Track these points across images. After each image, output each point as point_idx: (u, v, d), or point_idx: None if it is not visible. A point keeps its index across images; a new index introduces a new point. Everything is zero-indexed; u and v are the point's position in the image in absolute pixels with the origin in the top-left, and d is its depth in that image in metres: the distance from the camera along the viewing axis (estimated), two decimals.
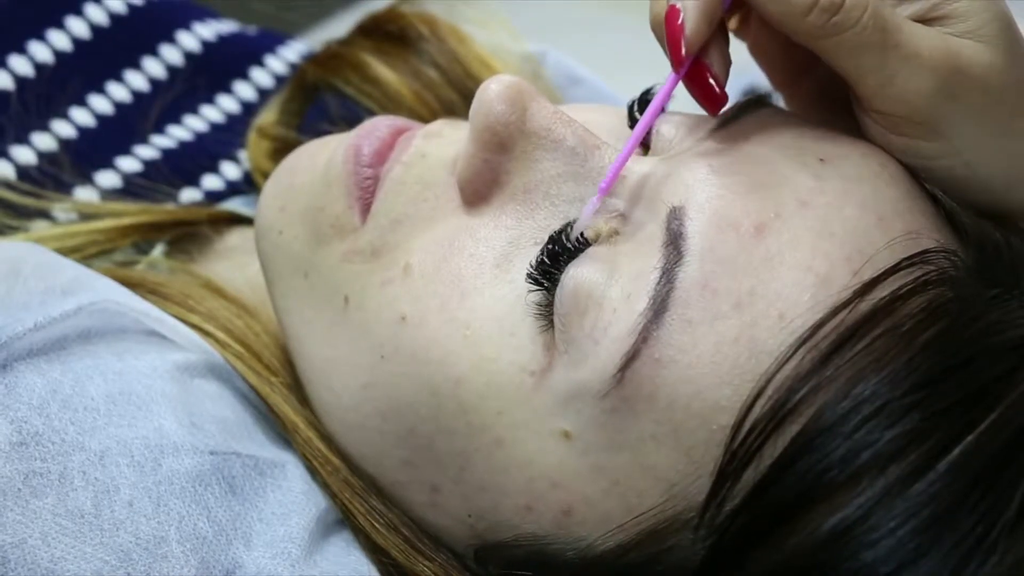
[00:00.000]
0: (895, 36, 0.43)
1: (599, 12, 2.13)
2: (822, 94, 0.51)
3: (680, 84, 0.46)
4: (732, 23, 0.50)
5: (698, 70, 0.45)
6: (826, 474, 0.39)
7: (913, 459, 0.38)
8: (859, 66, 0.44)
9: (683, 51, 0.44)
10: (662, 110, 0.48)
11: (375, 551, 0.48)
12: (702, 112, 0.48)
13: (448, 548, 0.48)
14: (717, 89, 0.45)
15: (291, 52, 0.79)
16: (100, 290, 0.51)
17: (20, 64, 0.66)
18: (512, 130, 0.47)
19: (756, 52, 0.52)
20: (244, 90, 0.75)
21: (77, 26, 0.70)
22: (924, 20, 0.45)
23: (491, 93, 0.47)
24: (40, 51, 0.67)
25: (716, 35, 0.45)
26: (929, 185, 0.47)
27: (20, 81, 0.65)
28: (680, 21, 0.43)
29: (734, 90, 0.47)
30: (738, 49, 0.47)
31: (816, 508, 0.39)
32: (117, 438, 0.45)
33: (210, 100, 0.73)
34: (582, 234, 0.44)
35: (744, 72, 0.47)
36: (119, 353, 0.49)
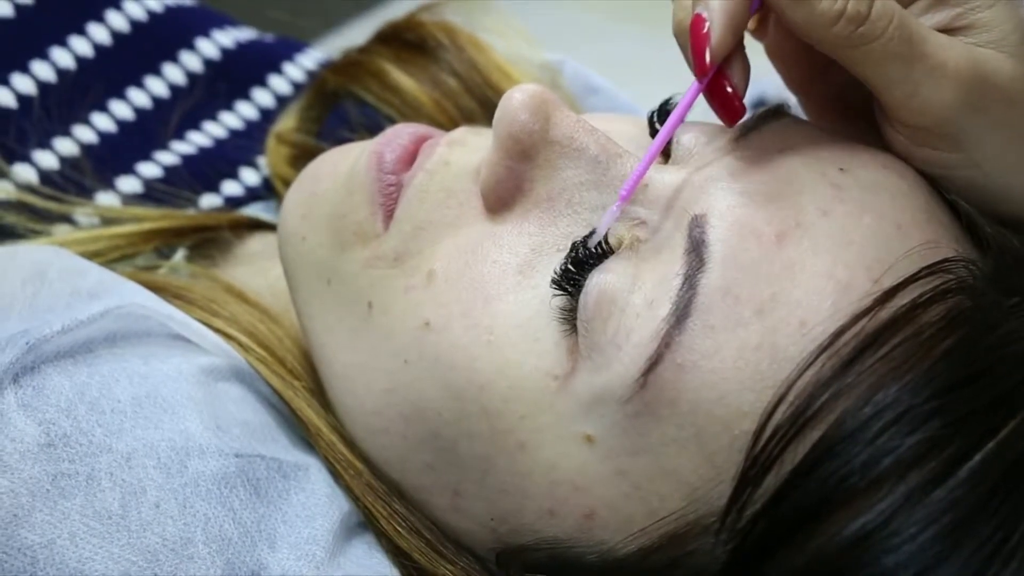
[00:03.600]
0: (921, 47, 0.43)
1: (607, 22, 2.14)
2: (838, 98, 0.52)
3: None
4: (750, 23, 0.50)
5: (718, 81, 0.45)
6: (847, 480, 0.39)
7: (934, 465, 0.38)
8: (884, 77, 0.44)
9: (707, 60, 0.44)
10: (667, 150, 0.48)
11: (397, 554, 0.49)
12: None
13: (470, 551, 0.49)
14: (736, 101, 0.45)
15: (309, 59, 0.79)
16: (126, 294, 0.51)
17: (43, 70, 0.66)
18: (536, 139, 0.47)
19: (773, 54, 0.52)
20: (263, 97, 0.76)
21: (99, 32, 0.70)
22: (947, 30, 0.45)
23: (515, 102, 0.47)
24: (63, 57, 0.68)
25: (738, 47, 0.45)
26: (949, 195, 0.47)
27: (43, 87, 0.66)
28: (705, 30, 0.43)
29: (745, 99, 0.47)
30: (749, 56, 0.47)
31: (837, 514, 0.39)
32: (144, 440, 0.46)
33: (229, 107, 0.74)
34: (606, 240, 0.45)
35: (754, 81, 0.47)
36: (145, 356, 0.49)
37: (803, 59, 0.51)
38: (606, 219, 0.45)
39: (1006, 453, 0.39)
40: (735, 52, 0.45)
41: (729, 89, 0.45)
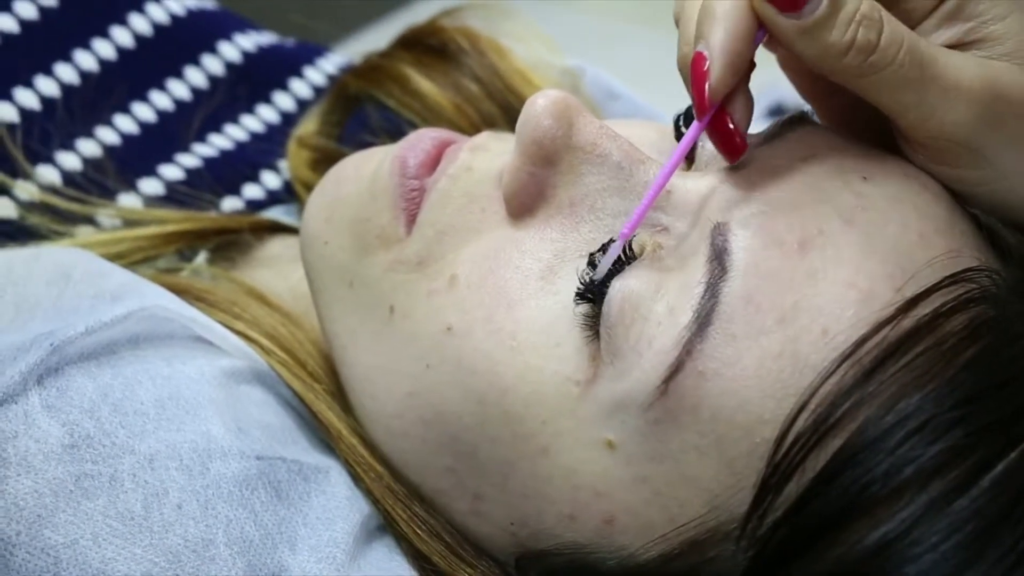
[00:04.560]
0: (932, 69, 0.43)
1: (624, 26, 2.15)
2: (853, 111, 0.51)
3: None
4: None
5: (720, 117, 0.44)
6: (869, 488, 0.39)
7: (956, 475, 0.38)
8: (898, 102, 0.44)
9: (706, 100, 0.43)
10: (692, 155, 0.48)
11: (417, 557, 0.49)
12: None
13: (489, 555, 0.49)
14: (737, 139, 0.44)
15: (329, 64, 0.80)
16: (149, 296, 0.52)
17: (66, 72, 0.67)
18: (559, 144, 0.47)
19: (786, 67, 0.51)
20: (283, 100, 0.76)
21: (122, 35, 0.71)
22: (959, 45, 0.45)
23: (538, 107, 0.47)
24: (86, 59, 0.68)
25: (741, 83, 0.44)
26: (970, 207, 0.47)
27: (66, 89, 0.66)
28: (706, 68, 0.43)
29: (761, 107, 0.47)
30: (764, 63, 0.47)
31: (858, 522, 0.39)
32: (166, 442, 0.46)
33: (250, 110, 0.74)
34: (630, 247, 0.45)
35: (772, 88, 0.47)
36: (167, 358, 0.49)
37: (816, 74, 0.51)
38: (625, 231, 0.45)
39: None
40: (737, 88, 0.44)
41: (731, 126, 0.44)
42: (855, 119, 0.51)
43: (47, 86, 0.66)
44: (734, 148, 0.45)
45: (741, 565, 0.42)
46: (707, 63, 0.43)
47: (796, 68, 0.51)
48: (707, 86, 0.43)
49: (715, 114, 0.44)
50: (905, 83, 0.43)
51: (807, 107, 0.52)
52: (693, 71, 0.43)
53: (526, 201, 0.48)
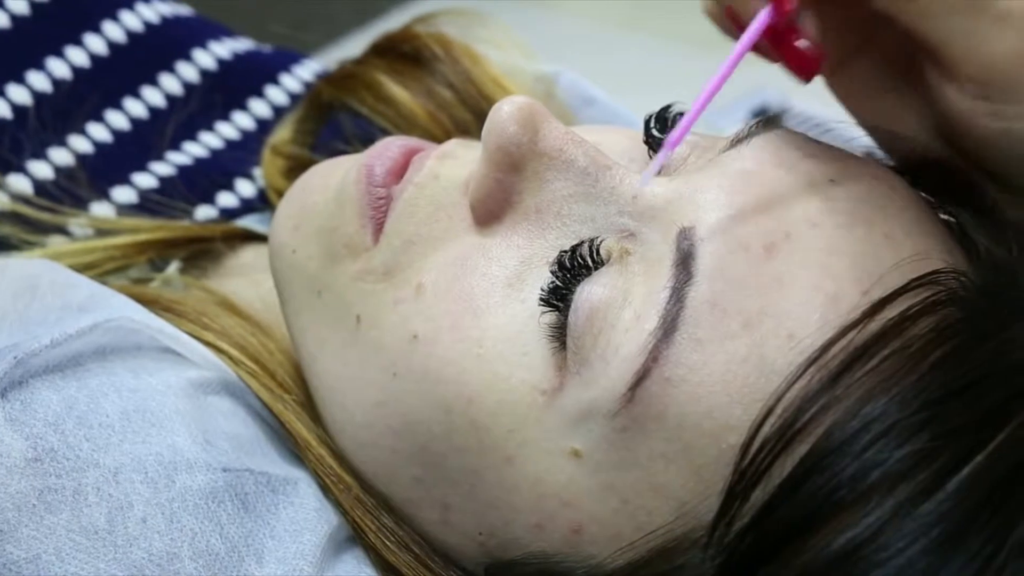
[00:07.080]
0: None
1: (610, 32, 2.15)
2: (870, 77, 0.50)
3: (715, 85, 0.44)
4: None
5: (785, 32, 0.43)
6: (835, 493, 0.39)
7: (922, 478, 0.38)
8: (946, 30, 0.43)
9: None
10: (711, 96, 0.47)
11: (386, 568, 0.49)
12: (714, 133, 0.48)
13: (458, 566, 0.48)
14: (811, 54, 0.43)
15: (305, 71, 0.79)
16: (116, 307, 0.51)
17: (38, 80, 0.67)
18: (524, 151, 0.47)
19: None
20: (259, 108, 0.76)
21: (94, 43, 0.70)
22: None
23: (503, 114, 0.47)
24: (58, 67, 0.68)
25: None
26: (944, 206, 0.46)
27: (38, 97, 0.66)
28: None
29: (743, 111, 0.47)
30: (746, 70, 0.46)
31: (825, 527, 0.39)
32: (131, 455, 0.45)
33: (225, 117, 0.74)
34: (597, 252, 0.45)
35: (754, 93, 0.47)
36: (134, 370, 0.49)
37: (837, 36, 0.49)
38: (647, 173, 0.45)
39: (995, 465, 0.39)
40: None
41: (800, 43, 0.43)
42: (868, 90, 0.50)
43: (19, 94, 0.65)
44: (808, 62, 0.44)
45: (709, 572, 0.42)
46: None
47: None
48: None
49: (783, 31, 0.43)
50: (955, 10, 0.42)
51: (790, 109, 0.52)
52: None
53: (492, 208, 0.48)
